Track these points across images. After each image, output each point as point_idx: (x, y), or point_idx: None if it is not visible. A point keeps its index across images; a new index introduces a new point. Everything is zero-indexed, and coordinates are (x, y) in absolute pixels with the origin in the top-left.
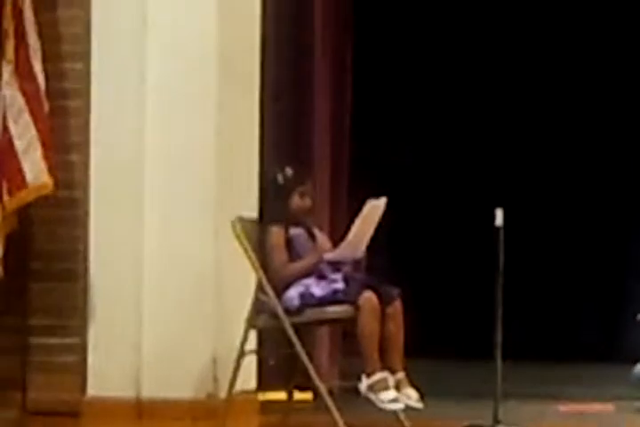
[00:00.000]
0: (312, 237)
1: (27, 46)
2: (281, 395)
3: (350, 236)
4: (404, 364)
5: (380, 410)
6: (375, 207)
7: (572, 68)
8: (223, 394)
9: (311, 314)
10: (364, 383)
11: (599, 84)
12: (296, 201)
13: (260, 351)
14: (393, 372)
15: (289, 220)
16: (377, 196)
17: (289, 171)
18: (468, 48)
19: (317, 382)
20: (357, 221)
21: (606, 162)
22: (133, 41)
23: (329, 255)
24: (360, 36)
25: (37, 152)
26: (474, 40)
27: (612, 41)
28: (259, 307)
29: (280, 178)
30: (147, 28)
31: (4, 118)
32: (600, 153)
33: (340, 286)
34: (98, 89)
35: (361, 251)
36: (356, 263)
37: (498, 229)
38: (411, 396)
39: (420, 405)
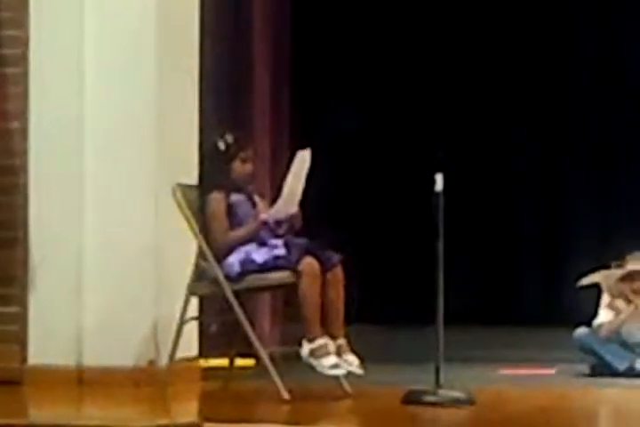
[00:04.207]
0: (253, 203)
1: None
2: (223, 362)
3: (284, 193)
4: (344, 330)
5: (322, 376)
6: (302, 159)
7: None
8: (165, 361)
9: (252, 280)
10: (305, 349)
11: (535, 63)
12: (237, 167)
13: (201, 318)
14: (334, 338)
15: (230, 186)
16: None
17: (230, 137)
18: (410, 10)
19: (259, 348)
20: (289, 177)
21: (542, 130)
22: (72, 7)
23: (265, 215)
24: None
25: None
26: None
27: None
28: (199, 274)
29: (221, 144)
30: None
31: None
32: (537, 122)
33: (280, 252)
34: (37, 56)
35: (295, 205)
36: (291, 226)
37: (437, 194)
38: (351, 362)
39: (360, 371)
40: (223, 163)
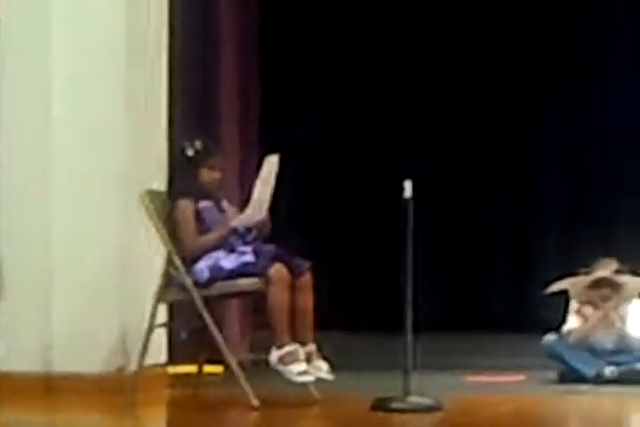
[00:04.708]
0: (221, 209)
1: None
2: (191, 368)
3: (253, 200)
4: (314, 336)
5: (291, 382)
6: (271, 165)
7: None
8: (133, 368)
9: (221, 287)
10: (274, 356)
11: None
12: (206, 174)
13: (170, 325)
14: (303, 344)
15: (198, 192)
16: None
17: (198, 144)
18: (381, 20)
19: (227, 355)
20: (257, 184)
21: (512, 138)
22: (40, 12)
23: (235, 222)
24: (266, 7)
25: None
26: (385, 12)
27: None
28: (168, 280)
29: (190, 151)
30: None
31: None
32: (507, 131)
33: (249, 258)
34: (4, 64)
35: (264, 211)
36: (260, 232)
37: (407, 200)
38: (321, 368)
39: (330, 376)
40: (191, 169)
